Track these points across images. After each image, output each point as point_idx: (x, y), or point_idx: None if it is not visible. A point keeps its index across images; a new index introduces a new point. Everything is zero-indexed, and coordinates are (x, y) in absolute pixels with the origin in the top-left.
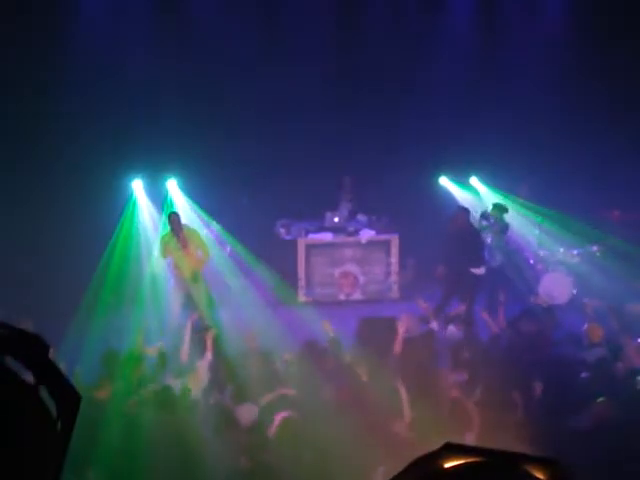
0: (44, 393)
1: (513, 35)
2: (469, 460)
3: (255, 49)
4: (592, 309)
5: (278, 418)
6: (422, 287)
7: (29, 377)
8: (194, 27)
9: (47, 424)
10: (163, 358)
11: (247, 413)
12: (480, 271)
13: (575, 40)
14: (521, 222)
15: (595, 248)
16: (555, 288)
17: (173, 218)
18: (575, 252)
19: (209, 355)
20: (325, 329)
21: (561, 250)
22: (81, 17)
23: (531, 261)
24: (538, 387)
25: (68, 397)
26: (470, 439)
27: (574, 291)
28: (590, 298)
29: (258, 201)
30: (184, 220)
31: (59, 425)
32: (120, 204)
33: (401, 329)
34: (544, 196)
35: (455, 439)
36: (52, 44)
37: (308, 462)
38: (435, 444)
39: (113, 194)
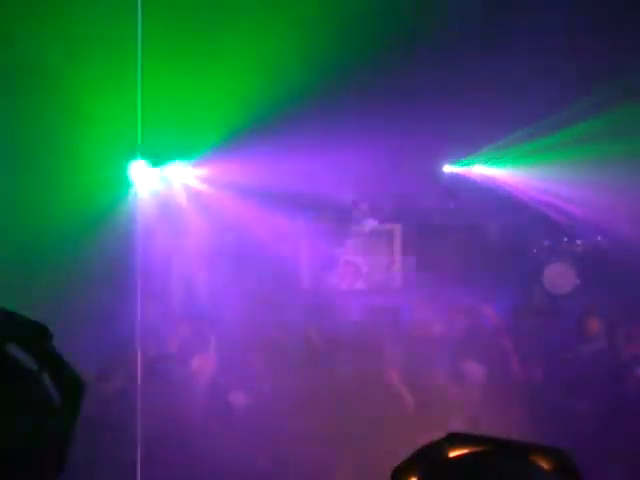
0: (48, 381)
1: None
2: (474, 449)
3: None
4: (594, 301)
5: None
6: (425, 276)
7: (32, 364)
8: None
9: (49, 412)
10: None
11: (241, 399)
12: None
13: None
14: (525, 210)
15: (600, 238)
16: (558, 278)
17: (185, 204)
18: (579, 242)
19: (212, 344)
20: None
21: (565, 239)
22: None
23: (534, 250)
24: (538, 376)
25: (72, 385)
26: (458, 424)
27: (577, 281)
28: (593, 288)
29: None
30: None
31: (63, 412)
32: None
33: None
34: (550, 185)
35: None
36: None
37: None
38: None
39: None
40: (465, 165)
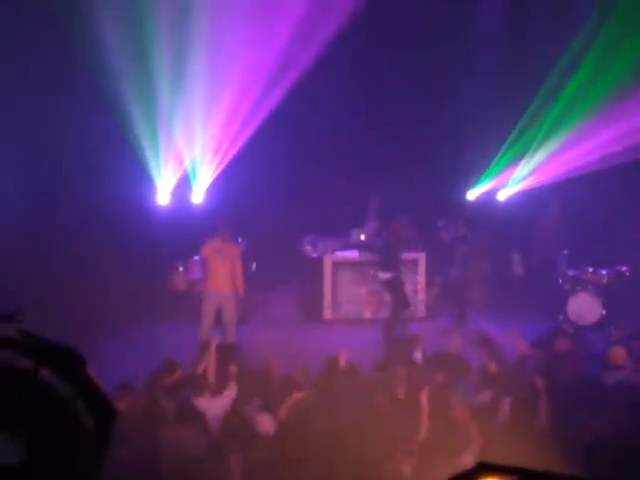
0: (81, 406)
1: (544, 45)
2: (503, 479)
3: (281, 69)
4: (619, 331)
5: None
6: (450, 305)
7: (66, 391)
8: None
9: (83, 437)
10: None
11: (266, 423)
12: (384, 276)
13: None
14: (550, 240)
15: (625, 268)
16: (584, 308)
17: (224, 228)
18: (604, 272)
19: (234, 374)
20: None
21: (590, 270)
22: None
23: (559, 280)
24: (564, 406)
25: (105, 411)
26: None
27: (603, 312)
28: (618, 319)
29: (285, 218)
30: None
31: (95, 437)
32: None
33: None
34: (574, 214)
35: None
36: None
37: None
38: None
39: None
40: (484, 182)
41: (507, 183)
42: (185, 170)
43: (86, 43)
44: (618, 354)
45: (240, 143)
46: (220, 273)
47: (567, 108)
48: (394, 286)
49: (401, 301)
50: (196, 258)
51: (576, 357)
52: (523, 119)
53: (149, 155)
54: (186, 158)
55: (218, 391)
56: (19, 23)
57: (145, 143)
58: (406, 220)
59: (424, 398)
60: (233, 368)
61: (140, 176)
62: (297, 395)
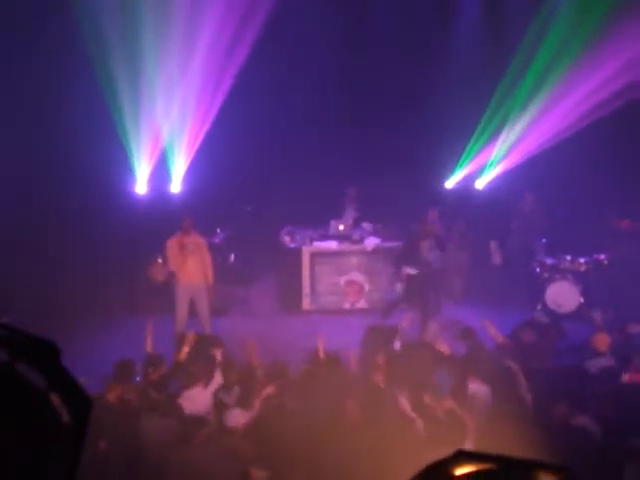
0: (56, 399)
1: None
2: (480, 467)
3: (264, 64)
4: (599, 318)
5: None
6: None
7: (42, 383)
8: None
9: (58, 430)
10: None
11: (238, 418)
12: (409, 270)
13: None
14: (527, 229)
15: (603, 256)
16: (562, 297)
17: (187, 221)
18: (582, 260)
19: (219, 362)
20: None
21: (568, 258)
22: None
23: (537, 269)
24: (543, 394)
25: (80, 403)
26: (463, 443)
27: (581, 300)
28: (597, 308)
29: (262, 209)
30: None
31: (71, 431)
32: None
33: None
34: (551, 203)
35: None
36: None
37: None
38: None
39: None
40: (461, 168)
41: (484, 167)
42: (164, 159)
43: (70, 35)
44: (602, 340)
45: (218, 131)
46: (189, 266)
47: (537, 81)
48: (416, 283)
49: (414, 299)
50: None
51: (545, 348)
52: (495, 97)
53: (128, 145)
54: (164, 148)
55: (206, 381)
56: None
57: (124, 132)
58: (436, 214)
59: (405, 403)
60: (218, 356)
61: (118, 165)
62: (269, 389)
